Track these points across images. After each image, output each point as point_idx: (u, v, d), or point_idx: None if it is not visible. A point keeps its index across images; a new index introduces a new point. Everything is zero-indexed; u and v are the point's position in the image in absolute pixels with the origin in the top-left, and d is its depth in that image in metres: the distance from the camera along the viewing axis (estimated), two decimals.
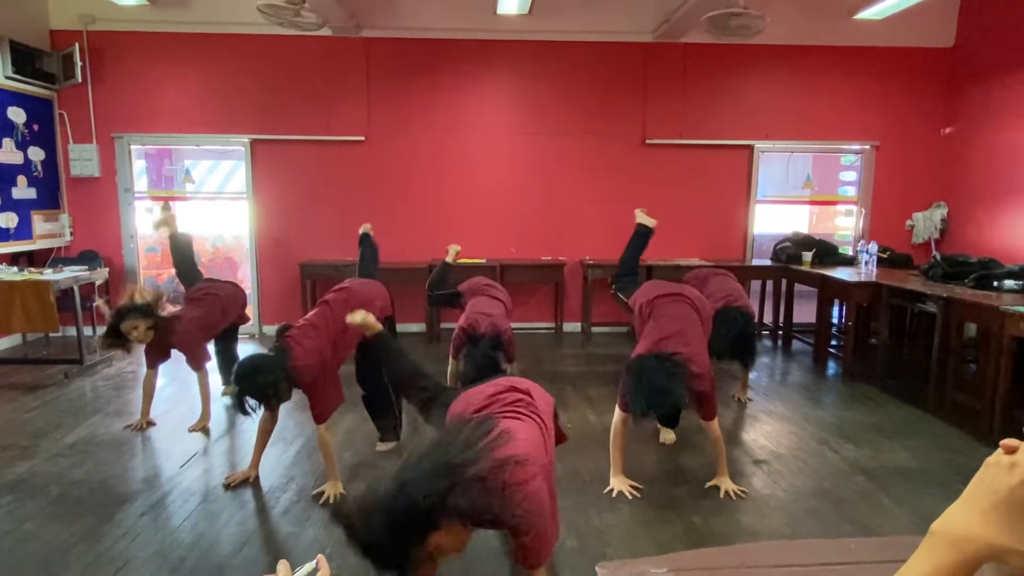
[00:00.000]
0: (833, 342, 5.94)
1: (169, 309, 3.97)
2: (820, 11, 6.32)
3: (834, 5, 6.25)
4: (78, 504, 2.94)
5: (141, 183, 6.58)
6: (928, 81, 6.53)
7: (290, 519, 2.82)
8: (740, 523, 2.81)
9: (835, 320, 6.18)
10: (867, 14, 5.93)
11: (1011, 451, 0.62)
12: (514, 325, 6.24)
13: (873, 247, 5.59)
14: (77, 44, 5.91)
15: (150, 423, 3.94)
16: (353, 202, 6.42)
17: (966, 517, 0.62)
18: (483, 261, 6.27)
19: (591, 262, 6.39)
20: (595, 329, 6.59)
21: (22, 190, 5.73)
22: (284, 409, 3.23)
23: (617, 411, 3.08)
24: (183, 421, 4.03)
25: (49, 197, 6.09)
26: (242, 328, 4.58)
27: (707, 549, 1.35)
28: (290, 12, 4.33)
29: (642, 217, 4.11)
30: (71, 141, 6.16)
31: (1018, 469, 0.60)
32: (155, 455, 3.55)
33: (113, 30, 6.04)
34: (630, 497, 3.00)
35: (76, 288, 5.04)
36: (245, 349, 4.70)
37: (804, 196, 7.08)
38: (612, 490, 3.04)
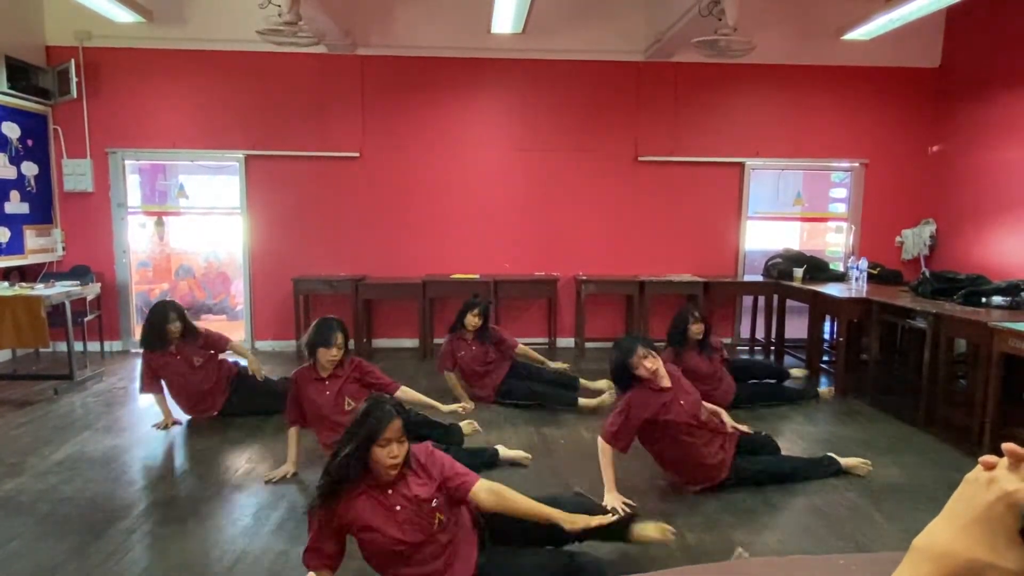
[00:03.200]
0: (824, 357, 5.97)
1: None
2: (809, 31, 6.43)
3: (822, 25, 6.35)
4: (67, 522, 2.91)
5: (134, 198, 6.59)
6: (915, 100, 6.64)
7: (281, 537, 2.80)
8: (733, 540, 2.80)
9: (826, 336, 6.21)
10: (855, 34, 6.03)
11: (990, 467, 0.63)
12: None
13: (863, 263, 5.64)
14: (73, 60, 5.93)
15: (176, 422, 4.01)
16: (347, 218, 6.44)
17: (946, 532, 0.63)
18: (477, 277, 6.29)
19: (584, 277, 6.42)
20: (588, 344, 6.59)
21: (15, 205, 5.72)
22: (278, 427, 3.24)
23: (600, 441, 3.08)
24: (174, 437, 4.00)
25: (42, 212, 6.07)
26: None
27: (699, 566, 1.36)
28: (288, 33, 4.39)
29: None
30: (65, 156, 6.17)
31: (996, 485, 0.62)
32: (145, 472, 3.52)
33: (109, 46, 6.07)
34: (623, 514, 2.99)
35: (67, 303, 5.01)
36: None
37: (795, 213, 7.15)
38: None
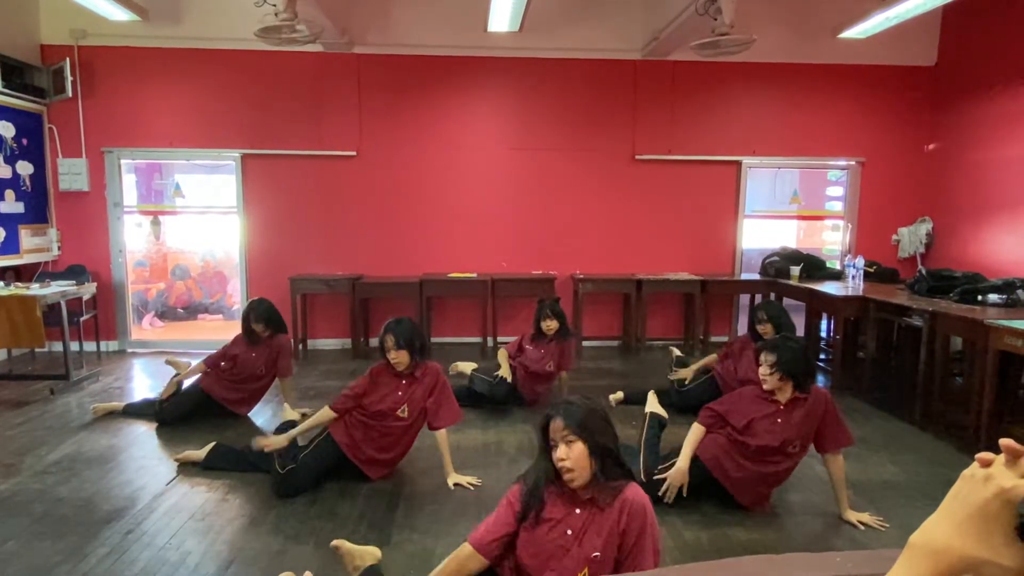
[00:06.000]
0: (821, 356, 5.98)
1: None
2: (805, 30, 6.44)
3: (819, 24, 6.36)
4: (63, 522, 2.90)
5: (130, 197, 6.57)
6: (912, 98, 6.65)
7: (278, 537, 2.80)
8: (729, 538, 2.81)
9: (823, 334, 6.22)
10: (851, 33, 6.04)
11: (986, 464, 0.64)
12: (504, 339, 6.29)
13: (860, 261, 5.65)
14: (68, 59, 5.91)
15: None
16: (344, 216, 6.43)
17: (943, 529, 0.64)
18: (474, 275, 6.29)
19: (581, 276, 6.42)
20: (586, 343, 6.59)
21: (10, 204, 5.69)
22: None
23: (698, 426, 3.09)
24: (171, 437, 3.99)
25: (37, 211, 6.05)
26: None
27: (694, 564, 1.36)
28: (286, 30, 4.38)
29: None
30: (60, 155, 6.14)
31: (993, 482, 0.62)
32: (141, 472, 3.51)
33: (104, 45, 6.04)
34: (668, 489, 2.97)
35: (63, 303, 5.00)
36: None
37: (791, 211, 7.16)
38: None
